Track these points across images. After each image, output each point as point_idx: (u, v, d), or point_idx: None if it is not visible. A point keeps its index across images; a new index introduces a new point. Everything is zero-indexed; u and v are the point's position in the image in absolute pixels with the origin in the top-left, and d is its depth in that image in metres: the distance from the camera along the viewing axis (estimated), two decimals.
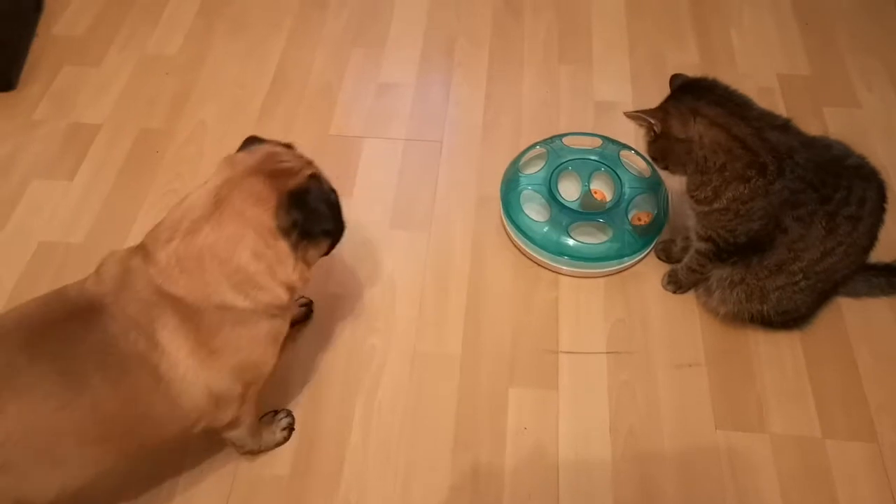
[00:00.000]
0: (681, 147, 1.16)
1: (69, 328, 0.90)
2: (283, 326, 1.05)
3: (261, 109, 1.72)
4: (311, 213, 0.99)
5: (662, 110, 1.17)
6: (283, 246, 0.96)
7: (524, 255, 1.46)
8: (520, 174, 1.49)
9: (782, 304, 1.26)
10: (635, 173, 1.49)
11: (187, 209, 0.95)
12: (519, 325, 1.38)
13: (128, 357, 0.90)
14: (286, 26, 1.89)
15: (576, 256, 1.39)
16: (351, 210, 1.52)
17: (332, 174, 1.56)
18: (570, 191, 1.48)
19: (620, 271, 1.44)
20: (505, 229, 1.49)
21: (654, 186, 1.47)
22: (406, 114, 1.73)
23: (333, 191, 1.09)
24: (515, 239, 1.46)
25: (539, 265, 1.45)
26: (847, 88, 1.76)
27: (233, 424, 1.08)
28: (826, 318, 1.35)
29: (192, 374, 0.94)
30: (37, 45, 1.83)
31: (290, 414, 1.26)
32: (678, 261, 1.41)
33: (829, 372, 1.31)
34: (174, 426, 0.98)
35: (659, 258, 1.46)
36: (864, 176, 1.17)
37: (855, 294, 1.38)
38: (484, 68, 1.82)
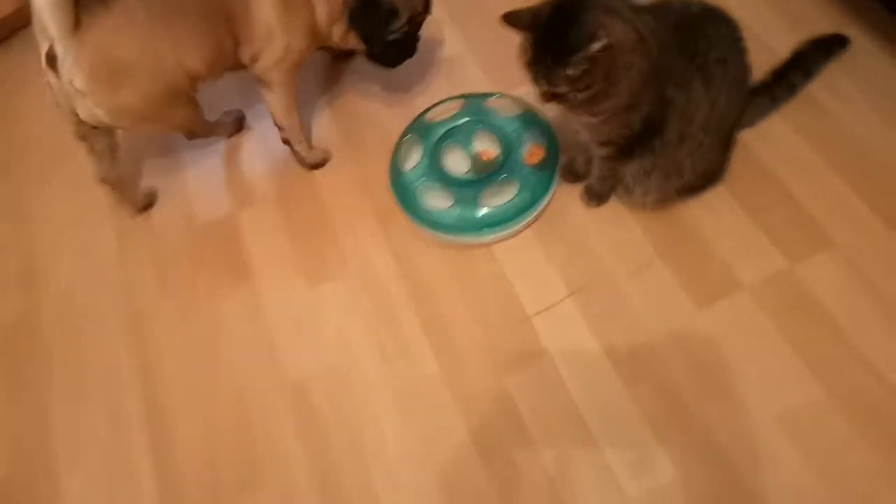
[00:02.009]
0: (611, 59, 1.02)
1: None
2: (311, 41, 1.42)
3: None
4: (360, 9, 1.37)
5: (599, 25, 0.99)
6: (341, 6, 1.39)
7: (449, 246, 1.41)
8: (403, 173, 1.43)
9: (698, 168, 1.27)
10: (509, 116, 1.45)
11: None
12: (480, 313, 1.34)
13: None
14: None
15: (496, 223, 1.36)
16: (265, 291, 1.45)
17: (221, 267, 1.49)
18: (459, 163, 1.43)
19: (542, 214, 1.41)
20: (420, 231, 1.43)
21: (532, 120, 1.44)
22: (275, 173, 1.63)
23: (405, 30, 1.43)
24: (433, 236, 1.41)
25: (468, 247, 1.40)
26: None
27: (268, 80, 1.43)
28: (739, 159, 1.37)
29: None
30: None
31: (327, 153, 1.59)
32: (587, 175, 1.40)
33: (765, 205, 1.35)
34: (246, 33, 1.34)
35: (568, 181, 1.44)
36: (711, 17, 1.17)
37: (750, 123, 1.40)
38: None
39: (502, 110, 1.47)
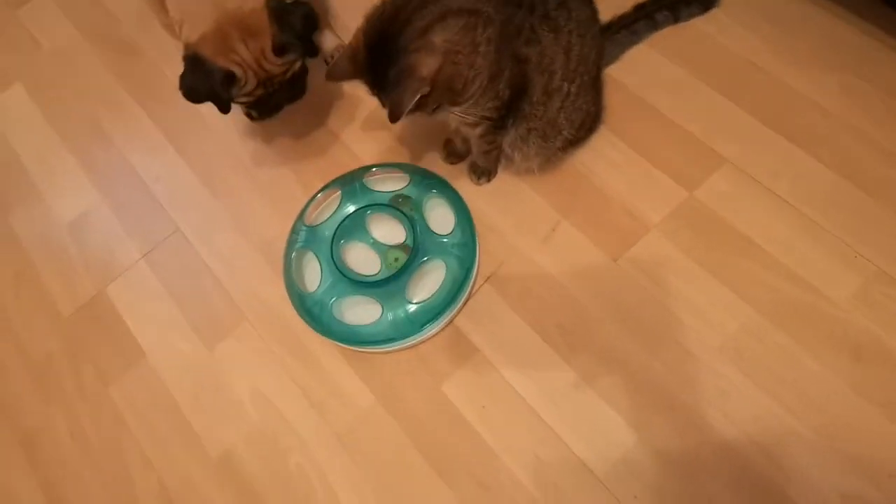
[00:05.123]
0: (456, 60, 0.97)
1: None
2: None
3: None
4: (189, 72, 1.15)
5: (429, 49, 0.94)
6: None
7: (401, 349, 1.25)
8: (311, 296, 1.21)
9: (574, 120, 1.20)
10: (398, 187, 1.28)
11: None
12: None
13: None
14: None
15: (432, 316, 1.16)
16: (162, 365, 1.30)
17: (106, 353, 1.33)
18: (367, 261, 1.24)
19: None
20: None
21: (422, 180, 1.29)
22: (121, 232, 1.45)
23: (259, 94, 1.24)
24: (379, 352, 1.22)
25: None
26: None
27: None
28: (614, 96, 1.32)
29: None
30: None
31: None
32: (468, 152, 1.32)
33: (650, 137, 1.31)
34: None
35: (451, 163, 1.36)
36: None
37: (615, 58, 1.36)
38: (147, 124, 1.56)
39: (385, 183, 1.30)
